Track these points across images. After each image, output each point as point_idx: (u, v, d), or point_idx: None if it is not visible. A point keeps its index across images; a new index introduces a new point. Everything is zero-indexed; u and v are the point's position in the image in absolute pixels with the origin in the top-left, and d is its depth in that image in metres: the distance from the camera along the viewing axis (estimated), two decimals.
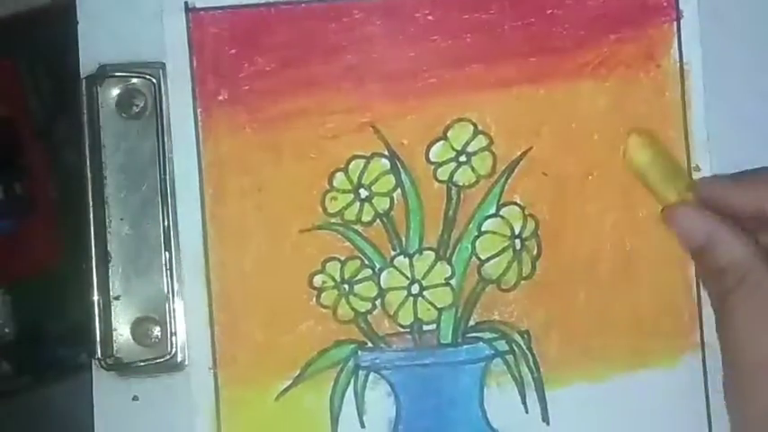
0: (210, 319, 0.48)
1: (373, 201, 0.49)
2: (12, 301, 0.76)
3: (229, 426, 0.48)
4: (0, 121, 0.72)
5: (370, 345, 0.48)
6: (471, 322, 0.49)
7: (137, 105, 0.49)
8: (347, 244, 0.49)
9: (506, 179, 0.49)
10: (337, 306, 0.48)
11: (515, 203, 0.49)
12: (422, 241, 0.49)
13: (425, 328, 0.49)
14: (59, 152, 0.78)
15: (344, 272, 0.49)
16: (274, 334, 0.48)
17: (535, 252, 0.49)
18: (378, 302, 0.49)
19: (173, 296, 0.48)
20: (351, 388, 0.48)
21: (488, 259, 0.49)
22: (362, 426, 0.48)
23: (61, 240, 0.76)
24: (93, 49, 0.49)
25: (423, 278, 0.49)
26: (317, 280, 0.48)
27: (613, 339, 0.49)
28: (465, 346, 0.49)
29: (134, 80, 0.49)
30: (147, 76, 0.49)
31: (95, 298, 0.48)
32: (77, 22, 0.49)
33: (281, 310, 0.48)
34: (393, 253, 0.49)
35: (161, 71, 0.49)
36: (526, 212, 0.49)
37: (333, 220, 0.49)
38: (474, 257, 0.49)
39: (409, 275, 0.49)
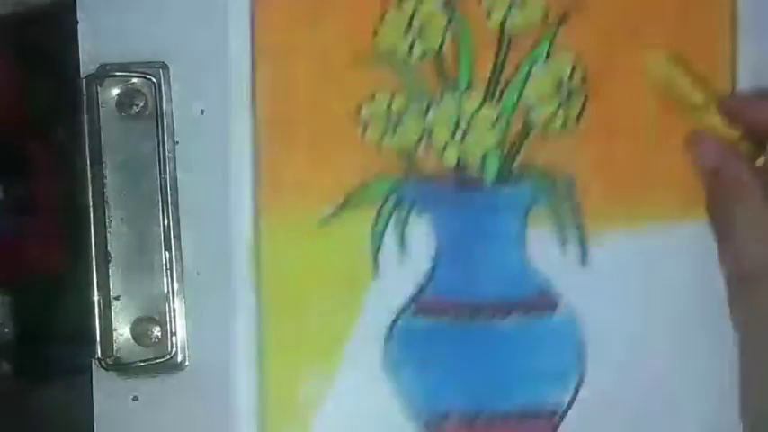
0: (254, 142, 0.47)
1: (425, 37, 0.48)
2: (12, 301, 0.74)
3: (269, 252, 0.47)
4: (0, 121, 0.71)
5: (413, 180, 0.48)
6: (516, 164, 0.49)
7: (137, 105, 0.49)
8: (397, 78, 0.48)
9: (559, 25, 0.49)
10: (383, 139, 0.48)
11: (566, 49, 0.49)
12: (471, 81, 0.49)
13: (469, 167, 0.49)
14: (59, 152, 0.77)
15: (392, 106, 0.48)
16: (319, 162, 0.48)
17: (583, 99, 0.49)
18: (424, 138, 0.48)
19: (173, 296, 0.48)
20: (392, 221, 0.48)
21: (536, 104, 0.49)
22: (403, 259, 0.48)
23: (61, 240, 0.75)
24: (93, 49, 0.49)
25: (470, 117, 0.49)
26: (365, 112, 0.48)
27: (657, 189, 0.49)
28: (508, 188, 0.49)
29: (134, 80, 0.49)
30: (148, 76, 0.48)
31: (95, 298, 0.48)
32: (77, 22, 0.49)
33: (327, 139, 0.48)
34: (442, 91, 0.49)
35: (161, 71, 0.48)
36: (576, 60, 0.49)
37: (384, 54, 0.48)
38: (522, 101, 0.49)
39: (456, 114, 0.49)
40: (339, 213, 0.48)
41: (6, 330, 0.74)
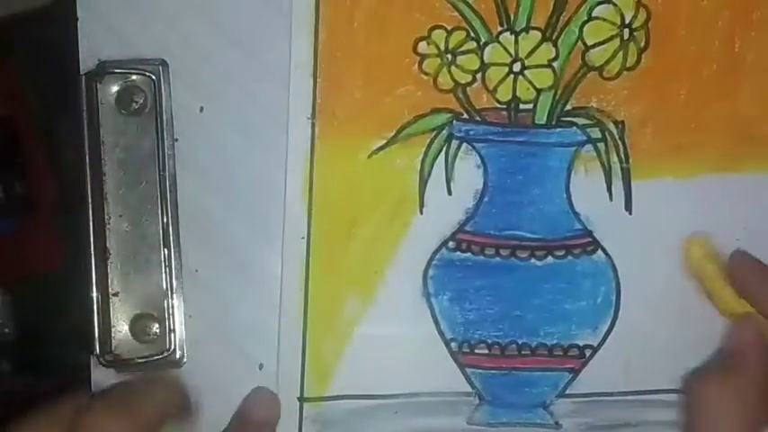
0: (314, 70, 0.49)
1: None
2: (12, 301, 0.75)
3: (322, 176, 0.49)
4: (0, 121, 0.71)
5: (465, 116, 0.49)
6: (568, 107, 0.49)
7: (136, 102, 0.49)
8: (455, 14, 0.49)
9: None
10: (438, 74, 0.49)
11: None
12: (530, 20, 0.49)
13: (522, 106, 0.49)
14: (59, 151, 0.76)
15: (449, 41, 0.49)
16: (374, 93, 0.49)
17: (643, 44, 0.49)
18: (478, 76, 0.49)
19: (171, 293, 0.48)
20: (442, 155, 0.49)
21: (594, 45, 0.49)
22: (449, 192, 0.49)
23: (61, 240, 0.75)
24: (92, 46, 0.49)
25: (526, 57, 0.49)
26: (422, 46, 0.49)
27: (708, 139, 0.49)
28: (558, 129, 0.49)
29: (134, 77, 0.49)
30: (147, 73, 0.48)
31: (94, 294, 0.48)
32: (77, 19, 0.49)
33: (384, 71, 0.49)
34: (500, 28, 0.49)
35: (160, 68, 0.48)
36: (640, 2, 0.48)
37: None
38: (580, 42, 0.49)
39: (513, 53, 0.49)
40: (391, 144, 0.49)
41: (6, 330, 0.77)
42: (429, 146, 0.49)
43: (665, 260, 0.49)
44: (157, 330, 0.49)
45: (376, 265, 0.49)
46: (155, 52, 0.49)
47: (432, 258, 0.49)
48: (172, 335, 0.49)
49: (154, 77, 0.49)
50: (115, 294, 0.49)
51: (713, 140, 0.49)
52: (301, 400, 0.49)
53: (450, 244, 0.49)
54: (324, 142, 0.49)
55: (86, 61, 0.49)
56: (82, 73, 0.49)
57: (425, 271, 0.49)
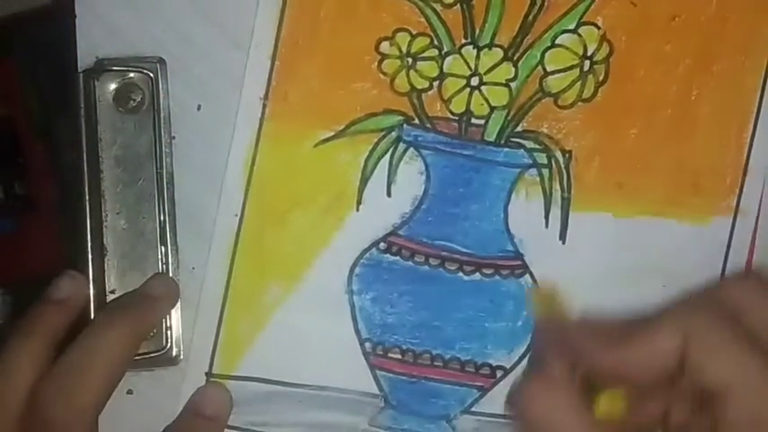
0: (274, 52, 0.49)
1: None
2: (12, 301, 0.74)
3: (265, 159, 0.49)
4: (0, 121, 0.71)
5: (416, 121, 0.49)
6: (519, 128, 0.49)
7: (134, 100, 0.49)
8: (422, 20, 0.49)
9: (593, 0, 0.49)
10: (396, 76, 0.49)
11: (596, 25, 0.49)
12: (494, 37, 0.49)
13: (474, 121, 0.49)
14: (59, 152, 0.76)
15: (412, 45, 0.49)
16: (330, 84, 0.49)
17: (601, 77, 0.49)
18: (435, 84, 0.49)
19: None
20: (387, 156, 0.49)
21: (554, 72, 0.49)
22: (389, 194, 0.49)
23: (61, 240, 0.75)
24: (90, 43, 0.49)
25: (485, 73, 0.49)
26: (385, 46, 0.49)
27: (651, 182, 0.49)
28: (506, 149, 0.49)
29: (131, 74, 0.49)
30: (145, 71, 0.49)
31: (91, 292, 0.48)
32: (75, 17, 0.49)
33: (343, 65, 0.49)
34: (464, 41, 0.49)
35: (158, 65, 0.49)
36: (604, 36, 0.49)
37: None
38: (540, 67, 0.49)
39: (473, 67, 0.49)
40: (338, 138, 0.49)
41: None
42: (376, 145, 0.49)
43: (589, 293, 0.49)
44: (154, 328, 0.48)
45: (304, 255, 0.49)
46: (153, 50, 0.49)
47: (360, 256, 0.49)
48: (168, 332, 0.49)
49: (152, 75, 0.49)
50: (112, 292, 0.49)
51: (656, 184, 0.49)
52: (209, 375, 0.49)
53: (381, 245, 0.49)
54: (272, 125, 0.49)
55: (84, 59, 0.49)
56: (80, 71, 0.49)
57: (352, 268, 0.49)
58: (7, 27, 0.66)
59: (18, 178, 0.75)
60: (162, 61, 0.49)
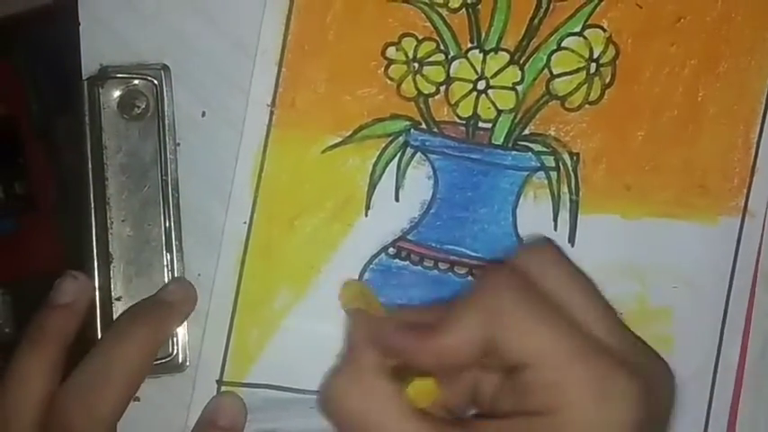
0: (281, 58, 0.49)
1: None
2: (12, 301, 0.74)
3: (273, 165, 0.49)
4: (0, 121, 0.71)
5: (423, 126, 0.49)
6: (526, 131, 0.49)
7: (138, 107, 0.49)
8: (428, 24, 0.49)
9: (599, 2, 0.49)
10: (403, 81, 0.49)
11: (602, 27, 0.49)
12: (500, 41, 0.49)
13: (481, 125, 0.49)
14: (59, 152, 0.76)
15: (418, 50, 0.49)
16: (337, 90, 0.49)
17: (608, 80, 0.49)
18: (442, 88, 0.49)
19: None
20: (395, 161, 0.49)
21: (560, 75, 0.49)
22: (397, 199, 0.49)
23: (61, 240, 0.75)
24: (94, 51, 0.49)
25: (491, 77, 0.49)
26: (391, 51, 0.49)
27: (659, 183, 0.49)
28: (513, 152, 0.49)
29: (136, 81, 0.49)
30: (149, 78, 0.49)
31: (96, 299, 0.48)
32: (79, 24, 0.49)
33: (349, 71, 0.49)
34: (470, 45, 0.49)
35: (163, 72, 0.49)
36: (610, 39, 0.49)
37: None
38: (546, 70, 0.49)
39: (479, 71, 0.49)
40: (346, 143, 0.49)
41: (6, 330, 0.76)
42: (383, 150, 0.49)
43: None
44: None
45: (313, 261, 0.49)
46: (156, 57, 0.49)
47: (370, 262, 0.49)
48: (174, 338, 0.49)
49: (156, 82, 0.49)
50: (118, 299, 0.49)
51: (664, 185, 0.49)
52: (220, 383, 0.49)
53: (391, 250, 0.49)
54: (280, 131, 0.49)
55: (88, 66, 0.49)
56: (84, 78, 0.49)
57: (362, 273, 0.49)
58: (7, 27, 0.66)
59: (18, 178, 0.75)
60: (166, 68, 0.49)
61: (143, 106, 0.49)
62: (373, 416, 0.40)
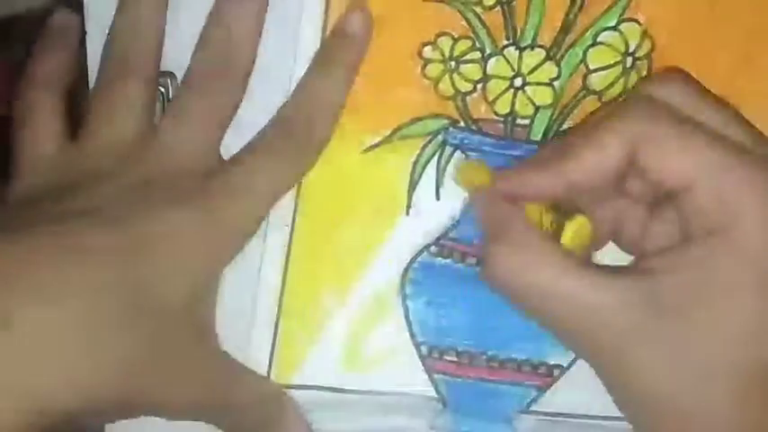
0: None
1: None
2: None
3: (313, 168, 0.49)
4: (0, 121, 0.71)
5: (462, 124, 0.50)
6: (564, 127, 0.50)
7: None
8: (463, 23, 0.49)
9: None
10: (440, 80, 0.49)
11: (637, 21, 0.49)
12: (536, 37, 0.49)
13: (519, 121, 0.50)
14: None
15: (454, 49, 0.49)
16: (375, 91, 0.49)
17: (644, 73, 0.49)
18: (479, 86, 0.50)
19: None
20: (434, 160, 0.50)
21: (597, 70, 0.49)
22: (437, 197, 0.50)
23: None
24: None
25: (528, 73, 0.49)
26: (427, 51, 0.49)
27: None
28: None
29: None
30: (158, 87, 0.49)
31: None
32: (85, 32, 0.49)
33: (386, 71, 0.49)
34: (506, 42, 0.49)
35: (169, 80, 0.49)
36: (645, 32, 0.49)
37: None
38: (583, 65, 0.49)
39: (516, 68, 0.49)
40: (385, 143, 0.50)
41: None
42: (423, 149, 0.50)
43: None
44: None
45: (356, 262, 0.49)
46: (163, 65, 0.49)
47: (413, 261, 0.49)
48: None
49: (162, 90, 0.49)
50: None
51: None
52: None
53: (433, 248, 0.50)
54: None
55: (95, 76, 0.49)
56: (91, 88, 0.49)
57: (405, 272, 0.50)
58: (7, 27, 0.66)
59: None
60: (172, 76, 0.49)
61: None
62: (537, 281, 0.39)
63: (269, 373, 0.49)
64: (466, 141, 0.49)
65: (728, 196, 0.36)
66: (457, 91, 0.49)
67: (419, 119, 0.49)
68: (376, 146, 0.49)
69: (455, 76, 0.49)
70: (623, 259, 0.45)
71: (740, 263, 0.36)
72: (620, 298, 0.38)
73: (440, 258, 0.49)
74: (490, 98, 0.49)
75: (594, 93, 0.49)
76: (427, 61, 0.49)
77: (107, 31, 0.49)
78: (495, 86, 0.49)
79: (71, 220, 0.42)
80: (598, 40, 0.49)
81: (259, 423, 0.47)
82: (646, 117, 0.39)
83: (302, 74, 0.49)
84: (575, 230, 0.41)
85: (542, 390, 0.50)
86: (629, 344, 0.38)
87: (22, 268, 0.39)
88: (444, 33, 0.49)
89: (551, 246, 0.40)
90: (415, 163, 0.50)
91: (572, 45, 0.49)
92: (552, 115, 0.49)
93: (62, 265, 0.40)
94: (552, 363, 0.49)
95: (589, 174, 0.39)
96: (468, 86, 0.49)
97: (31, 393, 0.37)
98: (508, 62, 0.49)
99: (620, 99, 0.47)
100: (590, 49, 0.49)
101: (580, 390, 0.49)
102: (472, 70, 0.49)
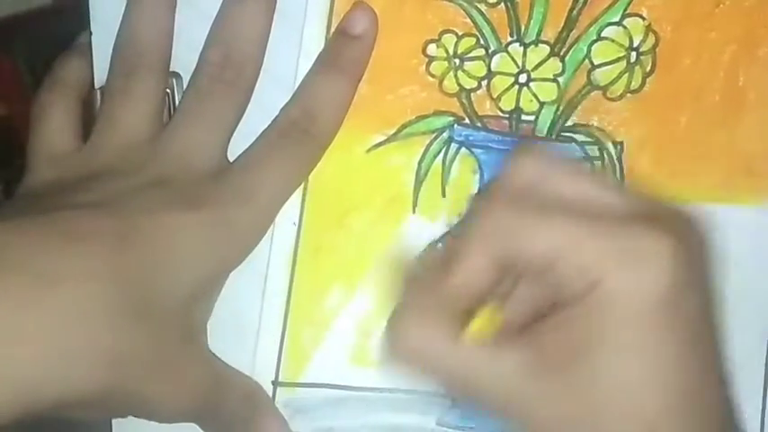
0: None
1: None
2: None
3: (319, 166, 0.49)
4: (0, 121, 0.71)
5: (467, 121, 0.50)
6: (569, 122, 0.50)
7: None
8: (467, 20, 0.49)
9: None
10: (444, 78, 0.50)
11: (641, 16, 0.49)
12: (540, 34, 0.49)
13: (524, 117, 0.50)
14: None
15: (458, 46, 0.50)
16: (379, 89, 0.50)
17: (648, 68, 0.49)
18: (484, 83, 0.50)
19: None
20: (440, 157, 0.50)
21: (601, 65, 0.49)
22: (444, 194, 0.50)
23: None
24: (106, 60, 0.49)
25: (532, 69, 0.50)
26: (431, 48, 0.50)
27: (704, 168, 0.49)
28: (557, 144, 0.50)
29: None
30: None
31: None
32: (91, 33, 0.49)
33: (391, 69, 0.50)
34: (510, 39, 0.50)
35: (174, 80, 0.49)
36: (649, 27, 0.49)
37: None
38: (587, 61, 0.49)
39: (520, 64, 0.50)
40: (390, 141, 0.50)
41: None
42: (428, 147, 0.50)
43: None
44: None
45: (363, 259, 0.50)
46: (170, 65, 0.50)
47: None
48: None
49: (168, 90, 0.49)
50: None
51: (709, 170, 0.49)
52: (275, 384, 0.50)
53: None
54: None
55: (101, 75, 0.50)
56: (96, 87, 0.50)
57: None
58: (7, 27, 0.66)
59: (17, 179, 0.75)
60: (178, 76, 0.50)
61: None
62: (431, 355, 0.40)
63: (277, 370, 0.49)
64: (471, 138, 0.50)
65: (588, 265, 0.38)
66: (461, 88, 0.50)
67: (424, 116, 0.50)
68: (381, 144, 0.50)
69: (459, 73, 0.50)
70: None
71: (609, 321, 0.38)
72: (512, 364, 0.39)
73: None
74: (495, 95, 0.50)
75: (599, 88, 0.49)
76: (431, 59, 0.50)
77: (112, 33, 0.49)
78: (499, 83, 0.50)
79: (74, 209, 0.42)
80: (602, 35, 0.49)
81: (240, 421, 0.47)
82: (497, 209, 0.40)
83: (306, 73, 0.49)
84: (479, 324, 0.41)
85: None
86: (530, 405, 0.39)
87: (12, 252, 0.39)
88: (448, 31, 0.49)
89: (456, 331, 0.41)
90: (421, 161, 0.50)
91: (576, 41, 0.49)
92: (557, 111, 0.50)
93: (58, 250, 0.40)
94: None
95: (470, 286, 0.40)
96: (473, 83, 0.50)
97: (18, 383, 0.38)
98: (512, 59, 0.50)
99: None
100: (594, 45, 0.49)
101: None
102: (476, 67, 0.50)
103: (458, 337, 0.40)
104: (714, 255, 0.41)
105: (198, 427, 0.47)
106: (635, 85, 0.49)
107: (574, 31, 0.49)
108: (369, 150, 0.50)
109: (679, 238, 0.38)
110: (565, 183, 0.40)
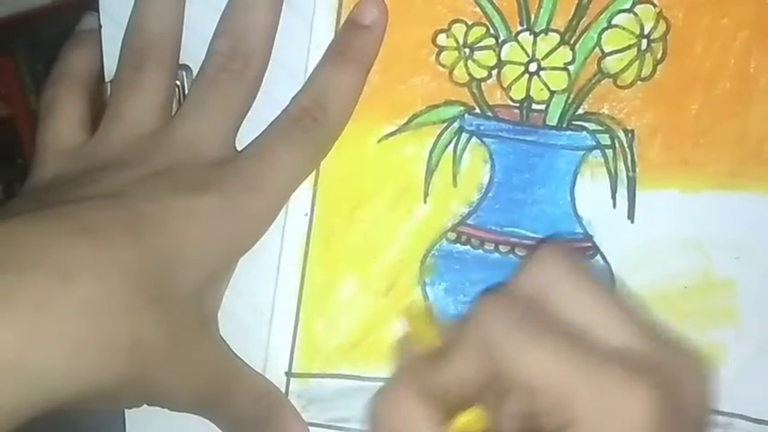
0: None
1: None
2: None
3: (330, 157, 0.49)
4: (0, 121, 0.71)
5: (477, 110, 0.50)
6: (580, 111, 0.50)
7: None
8: (477, 9, 0.49)
9: None
10: (455, 67, 0.50)
11: (652, 3, 0.49)
12: (550, 22, 0.49)
13: (534, 106, 0.50)
14: None
15: (468, 36, 0.49)
16: (389, 80, 0.49)
17: (659, 55, 0.49)
18: (494, 72, 0.50)
19: None
20: (451, 147, 0.50)
21: (611, 53, 0.49)
22: (455, 184, 0.50)
23: None
24: (115, 53, 0.49)
25: (543, 58, 0.49)
26: (441, 38, 0.49)
27: (715, 155, 0.49)
28: (568, 132, 0.50)
29: None
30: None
31: None
32: (100, 26, 0.49)
33: (401, 60, 0.50)
34: (519, 28, 0.49)
35: (184, 73, 0.49)
36: (660, 14, 0.49)
37: None
38: (597, 48, 0.49)
39: (530, 53, 0.49)
40: (401, 132, 0.50)
41: None
42: (439, 137, 0.50)
43: (661, 270, 0.49)
44: None
45: (375, 249, 0.50)
46: (180, 58, 0.50)
47: (431, 248, 0.50)
48: None
49: (177, 83, 0.49)
50: None
51: (721, 157, 0.49)
52: (289, 374, 0.50)
53: (451, 235, 0.50)
54: None
55: (110, 68, 0.50)
56: (106, 81, 0.50)
57: (423, 259, 0.50)
58: (7, 27, 0.66)
59: (18, 179, 0.73)
60: (188, 68, 0.50)
61: None
62: None
63: (290, 361, 0.50)
64: (482, 128, 0.50)
65: (564, 403, 0.37)
66: (472, 77, 0.50)
67: (435, 106, 0.50)
68: (392, 134, 0.50)
69: (470, 62, 0.49)
70: None
71: None
72: None
73: (458, 245, 0.50)
74: (505, 84, 0.50)
75: (609, 76, 0.49)
76: (441, 49, 0.49)
77: (122, 25, 0.49)
78: (509, 72, 0.49)
79: (84, 202, 0.42)
80: (613, 22, 0.49)
81: (256, 421, 0.47)
82: (493, 323, 0.40)
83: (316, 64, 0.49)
84: (464, 422, 0.41)
85: None
86: None
87: (27, 249, 0.39)
88: (458, 20, 0.49)
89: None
90: (432, 151, 0.50)
91: (586, 29, 0.49)
92: (567, 99, 0.49)
93: (72, 244, 0.40)
94: None
95: (456, 385, 0.40)
96: (483, 73, 0.50)
97: (40, 379, 0.38)
98: (522, 48, 0.49)
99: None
100: (604, 33, 0.49)
101: None
102: (487, 56, 0.49)
103: (443, 424, 0.40)
104: (709, 397, 0.40)
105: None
106: (646, 72, 0.49)
107: (584, 18, 0.49)
108: (380, 141, 0.50)
109: (660, 391, 0.37)
110: (567, 303, 0.40)
